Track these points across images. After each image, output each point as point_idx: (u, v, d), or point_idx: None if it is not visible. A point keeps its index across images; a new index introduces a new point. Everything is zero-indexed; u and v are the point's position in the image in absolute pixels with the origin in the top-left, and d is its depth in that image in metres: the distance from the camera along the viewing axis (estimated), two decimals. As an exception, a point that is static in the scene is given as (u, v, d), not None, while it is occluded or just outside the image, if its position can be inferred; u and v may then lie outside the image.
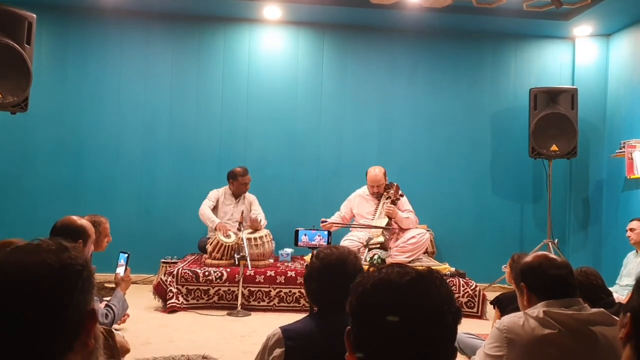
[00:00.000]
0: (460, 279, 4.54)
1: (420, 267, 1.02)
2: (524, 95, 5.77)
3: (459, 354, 2.92)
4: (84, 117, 5.58)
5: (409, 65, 5.95)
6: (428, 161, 5.91)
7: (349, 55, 5.91)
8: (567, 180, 5.98)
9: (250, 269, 4.42)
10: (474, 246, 5.84)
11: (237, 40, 5.81)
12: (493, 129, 6.00)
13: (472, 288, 4.48)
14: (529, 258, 1.96)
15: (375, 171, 5.11)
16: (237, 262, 4.45)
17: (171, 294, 4.35)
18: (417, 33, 5.91)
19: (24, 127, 5.36)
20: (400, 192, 5.08)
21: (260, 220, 4.99)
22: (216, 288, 4.44)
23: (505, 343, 1.72)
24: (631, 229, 4.39)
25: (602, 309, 1.78)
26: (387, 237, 4.82)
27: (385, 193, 5.12)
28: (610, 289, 3.07)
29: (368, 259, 4.40)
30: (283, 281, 4.48)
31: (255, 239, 4.71)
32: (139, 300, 4.43)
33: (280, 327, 1.75)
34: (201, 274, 4.45)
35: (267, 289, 4.47)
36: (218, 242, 4.69)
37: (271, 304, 4.46)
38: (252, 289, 4.46)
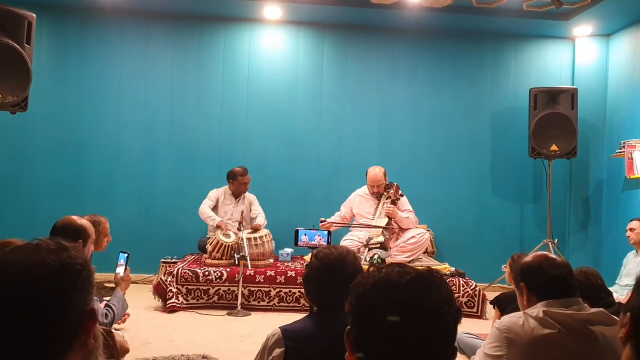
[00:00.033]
0: (460, 279, 4.54)
1: (420, 267, 1.02)
2: (524, 95, 5.77)
3: (459, 354, 2.92)
4: (84, 117, 5.58)
5: (409, 65, 5.95)
6: (428, 161, 5.91)
7: (349, 55, 5.91)
8: (567, 180, 5.98)
9: (250, 268, 4.42)
10: (474, 246, 5.84)
11: (237, 40, 5.81)
12: (493, 129, 6.00)
13: (472, 288, 4.48)
14: (528, 258, 1.96)
15: (375, 171, 5.11)
16: (237, 262, 4.46)
17: (171, 294, 4.35)
18: (417, 33, 5.91)
19: (24, 127, 5.36)
20: (400, 192, 5.08)
21: (257, 217, 5.04)
22: (216, 288, 4.44)
23: (505, 343, 1.72)
24: (631, 229, 4.39)
25: (601, 309, 1.78)
26: (387, 237, 4.82)
27: (385, 193, 5.12)
28: (610, 288, 3.07)
29: (368, 259, 4.40)
30: (283, 281, 4.48)
31: (255, 238, 4.71)
32: (139, 300, 4.43)
33: (279, 327, 1.75)
34: (201, 274, 4.45)
35: (267, 289, 4.47)
36: (218, 241, 4.69)
37: (271, 303, 4.46)
38: (252, 288, 4.46)
